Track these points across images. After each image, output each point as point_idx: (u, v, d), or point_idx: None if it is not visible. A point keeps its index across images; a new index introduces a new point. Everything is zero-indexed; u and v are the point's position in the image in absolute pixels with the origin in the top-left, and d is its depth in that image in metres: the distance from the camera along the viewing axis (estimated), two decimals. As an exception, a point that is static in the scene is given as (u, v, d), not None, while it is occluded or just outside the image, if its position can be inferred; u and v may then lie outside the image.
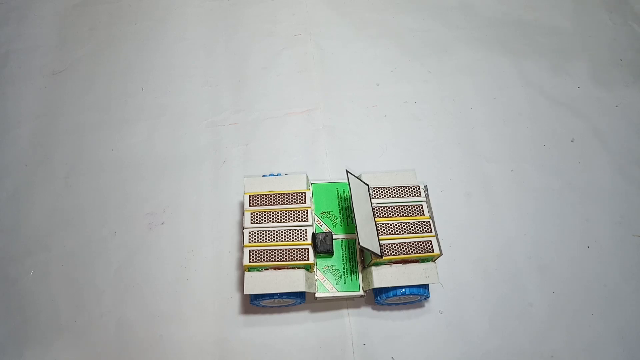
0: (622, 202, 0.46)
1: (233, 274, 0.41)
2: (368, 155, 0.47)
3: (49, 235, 0.43)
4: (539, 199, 0.43)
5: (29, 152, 0.46)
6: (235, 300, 0.40)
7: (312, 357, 0.39)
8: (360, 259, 0.38)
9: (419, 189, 0.39)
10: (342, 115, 0.49)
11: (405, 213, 0.38)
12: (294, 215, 0.37)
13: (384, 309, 0.40)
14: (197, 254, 0.42)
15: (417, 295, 0.37)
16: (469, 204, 0.45)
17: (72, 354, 0.38)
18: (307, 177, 0.40)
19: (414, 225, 0.37)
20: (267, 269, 0.36)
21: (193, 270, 0.41)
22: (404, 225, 0.37)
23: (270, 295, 0.36)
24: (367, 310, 0.40)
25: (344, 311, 0.40)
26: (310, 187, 0.40)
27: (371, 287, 0.36)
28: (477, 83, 0.51)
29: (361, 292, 0.37)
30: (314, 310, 0.40)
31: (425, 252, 0.36)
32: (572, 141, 0.49)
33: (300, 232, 0.37)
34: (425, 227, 0.37)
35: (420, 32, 0.55)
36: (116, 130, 0.48)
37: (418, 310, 0.40)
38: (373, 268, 0.36)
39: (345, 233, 0.39)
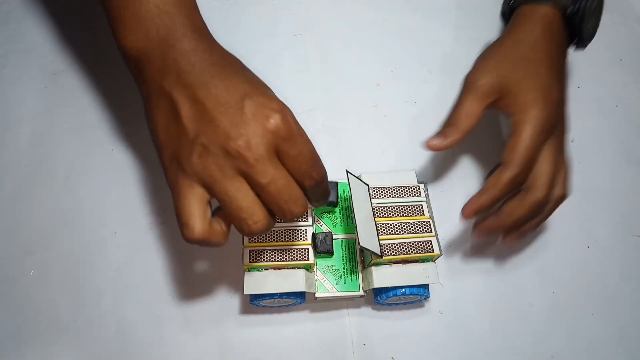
0: (622, 202, 0.46)
1: (233, 274, 0.41)
2: (368, 155, 0.47)
3: (49, 235, 0.43)
4: (539, 199, 0.43)
5: (29, 152, 0.46)
6: (235, 300, 0.40)
7: (312, 357, 0.39)
8: (360, 259, 0.38)
9: (419, 188, 0.39)
10: (342, 115, 0.49)
11: (405, 213, 0.38)
12: None
13: (384, 309, 0.40)
14: (197, 254, 0.42)
15: (417, 295, 0.37)
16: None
17: (72, 354, 0.38)
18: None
19: (414, 225, 0.37)
20: (267, 269, 0.36)
21: (193, 270, 0.41)
22: (404, 225, 0.37)
23: (270, 295, 0.36)
24: (367, 310, 0.40)
25: (344, 311, 0.40)
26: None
27: (371, 287, 0.36)
28: (477, 83, 0.51)
29: (361, 292, 0.37)
30: (314, 310, 0.40)
31: (425, 252, 0.36)
32: (572, 141, 0.49)
33: (300, 232, 0.37)
34: (425, 227, 0.37)
35: (420, 32, 0.55)
36: (116, 130, 0.48)
37: (418, 310, 0.40)
38: (373, 268, 0.36)
39: (345, 233, 0.39)
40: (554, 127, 0.37)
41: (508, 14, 0.43)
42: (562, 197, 0.38)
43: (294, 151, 0.29)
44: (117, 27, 0.32)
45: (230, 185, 0.28)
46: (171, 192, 0.30)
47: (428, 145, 0.38)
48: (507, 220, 0.36)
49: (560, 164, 0.38)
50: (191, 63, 0.30)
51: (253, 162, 0.28)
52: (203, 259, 0.42)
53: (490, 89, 0.37)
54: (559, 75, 0.38)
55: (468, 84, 0.39)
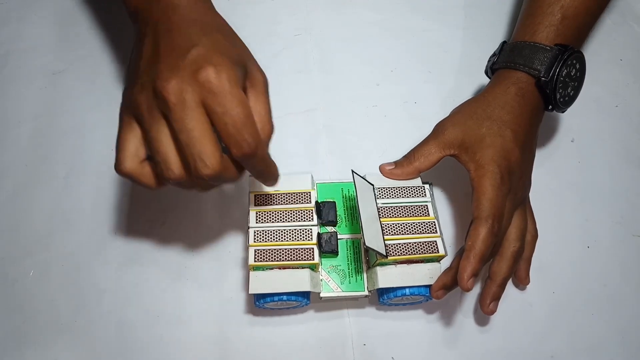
0: (622, 202, 0.46)
1: (234, 274, 0.41)
2: (368, 155, 0.47)
3: (49, 235, 0.43)
4: (539, 199, 0.43)
5: (29, 152, 0.46)
6: (236, 301, 0.40)
7: (312, 357, 0.39)
8: (365, 259, 0.38)
9: (424, 189, 0.39)
10: (342, 115, 0.49)
11: (410, 213, 0.38)
12: (299, 215, 0.37)
13: (384, 309, 0.40)
14: (198, 253, 0.42)
15: (420, 295, 0.37)
16: (469, 204, 0.45)
17: (72, 354, 0.38)
18: (312, 177, 0.40)
19: (419, 225, 0.37)
20: (272, 269, 0.36)
21: (194, 270, 0.41)
22: (409, 226, 0.37)
23: (272, 297, 0.36)
24: (367, 310, 0.40)
25: (344, 311, 0.40)
26: (315, 187, 0.40)
27: (376, 287, 0.36)
28: (477, 83, 0.51)
29: (366, 292, 0.37)
30: (314, 310, 0.40)
31: (430, 253, 0.36)
32: (572, 141, 0.49)
33: (306, 232, 0.37)
34: (430, 228, 0.37)
35: (420, 32, 0.55)
36: (116, 130, 0.48)
37: (418, 311, 0.40)
38: (378, 268, 0.36)
39: (350, 233, 0.39)
40: (513, 184, 0.37)
41: (490, 74, 0.44)
42: (535, 237, 0.41)
43: (220, 108, 0.28)
44: None
45: (153, 125, 0.29)
46: None
47: (380, 168, 0.41)
48: (498, 280, 0.37)
49: (528, 218, 0.40)
50: (168, 16, 0.31)
51: (172, 106, 0.27)
52: (204, 258, 0.42)
53: (452, 141, 0.39)
54: (525, 138, 0.39)
55: (435, 130, 0.41)
